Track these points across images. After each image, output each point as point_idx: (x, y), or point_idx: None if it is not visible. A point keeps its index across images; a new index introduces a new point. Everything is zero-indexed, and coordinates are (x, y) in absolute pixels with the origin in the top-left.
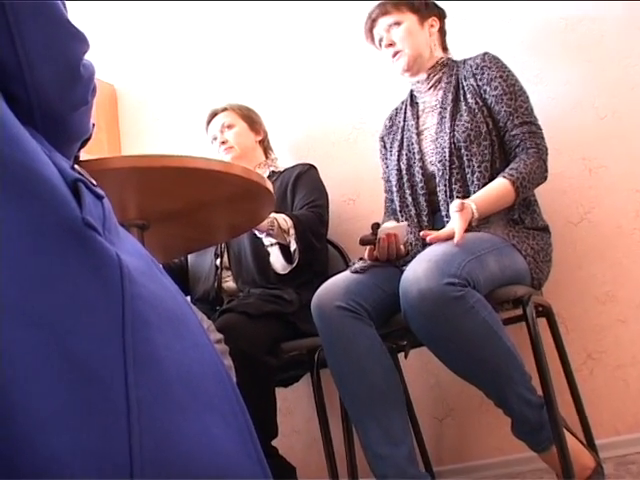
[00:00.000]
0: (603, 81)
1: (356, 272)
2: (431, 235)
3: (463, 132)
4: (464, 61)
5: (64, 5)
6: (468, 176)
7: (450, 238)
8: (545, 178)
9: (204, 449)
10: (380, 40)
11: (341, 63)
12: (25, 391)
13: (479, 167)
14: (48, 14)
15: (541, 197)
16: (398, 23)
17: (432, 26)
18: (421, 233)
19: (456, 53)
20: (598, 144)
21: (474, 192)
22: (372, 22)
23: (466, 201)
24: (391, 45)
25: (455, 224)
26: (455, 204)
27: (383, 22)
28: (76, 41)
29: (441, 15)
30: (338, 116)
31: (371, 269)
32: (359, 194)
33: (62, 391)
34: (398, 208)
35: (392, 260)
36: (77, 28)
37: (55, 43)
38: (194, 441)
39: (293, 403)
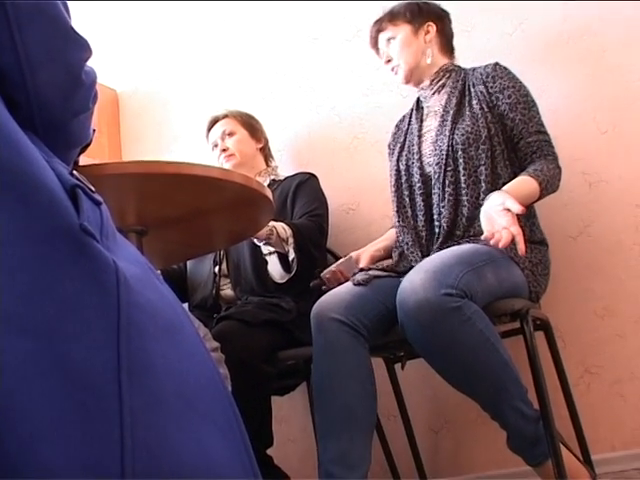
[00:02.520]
0: (604, 96)
1: (359, 284)
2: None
3: (462, 135)
4: (473, 69)
5: (67, 12)
6: (463, 179)
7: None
8: (558, 187)
9: (198, 460)
10: (383, 55)
11: (343, 72)
12: (18, 399)
13: (475, 171)
14: (51, 21)
15: (540, 210)
16: (393, 37)
17: (427, 32)
18: (484, 238)
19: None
20: (598, 159)
21: (467, 195)
22: (373, 40)
23: (501, 192)
24: (389, 61)
25: (508, 203)
26: (496, 199)
27: (382, 38)
28: (78, 48)
29: (439, 17)
30: (339, 125)
31: (373, 280)
32: (359, 204)
33: (55, 399)
34: (395, 209)
35: None
36: (80, 35)
37: (57, 49)
38: (187, 451)
39: (289, 412)
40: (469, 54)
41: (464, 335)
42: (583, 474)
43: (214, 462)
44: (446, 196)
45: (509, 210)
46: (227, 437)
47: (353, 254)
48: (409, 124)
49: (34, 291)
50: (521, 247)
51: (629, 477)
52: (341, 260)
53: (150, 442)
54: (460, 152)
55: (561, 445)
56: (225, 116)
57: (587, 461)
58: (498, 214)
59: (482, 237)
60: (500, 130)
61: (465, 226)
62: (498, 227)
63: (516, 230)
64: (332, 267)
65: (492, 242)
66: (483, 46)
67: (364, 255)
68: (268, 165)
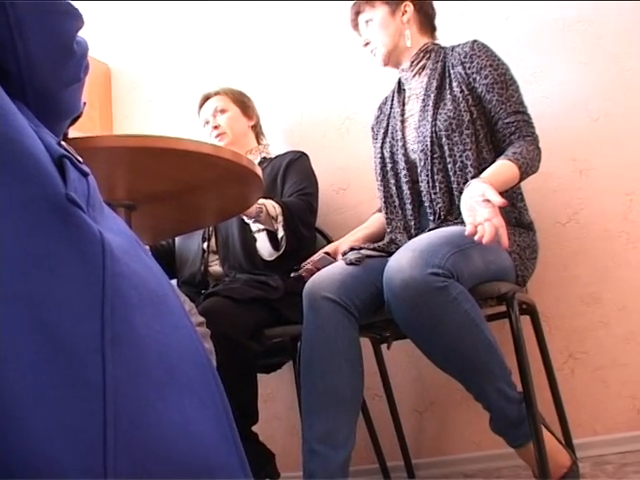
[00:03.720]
0: (597, 83)
1: (351, 264)
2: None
3: (445, 121)
4: (452, 48)
5: None
6: (450, 166)
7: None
8: (538, 168)
9: (179, 430)
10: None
11: (336, 52)
12: (3, 366)
13: (460, 157)
14: None
15: (530, 196)
16: (371, 19)
17: (404, 12)
18: (468, 234)
19: None
20: (589, 146)
21: (456, 182)
22: (353, 22)
23: (481, 180)
24: (367, 44)
25: (488, 194)
26: (476, 189)
27: (361, 20)
28: (70, 17)
29: None
30: (331, 105)
31: (365, 260)
32: (349, 184)
33: (39, 366)
34: (382, 199)
35: None
36: (72, 4)
37: (49, 18)
38: (169, 422)
39: (275, 390)
40: (464, 38)
41: (449, 315)
42: (564, 457)
43: (195, 432)
44: (437, 184)
45: (489, 201)
46: (209, 408)
47: (328, 248)
48: (391, 107)
49: (19, 259)
50: (504, 241)
51: (609, 461)
52: (315, 257)
53: (132, 411)
54: (444, 138)
55: (543, 428)
56: (217, 93)
57: (569, 444)
58: (479, 204)
59: (466, 233)
60: (482, 113)
61: (457, 214)
62: (480, 219)
63: (499, 222)
64: (307, 265)
65: (476, 238)
66: (478, 30)
67: (343, 246)
68: (259, 143)
